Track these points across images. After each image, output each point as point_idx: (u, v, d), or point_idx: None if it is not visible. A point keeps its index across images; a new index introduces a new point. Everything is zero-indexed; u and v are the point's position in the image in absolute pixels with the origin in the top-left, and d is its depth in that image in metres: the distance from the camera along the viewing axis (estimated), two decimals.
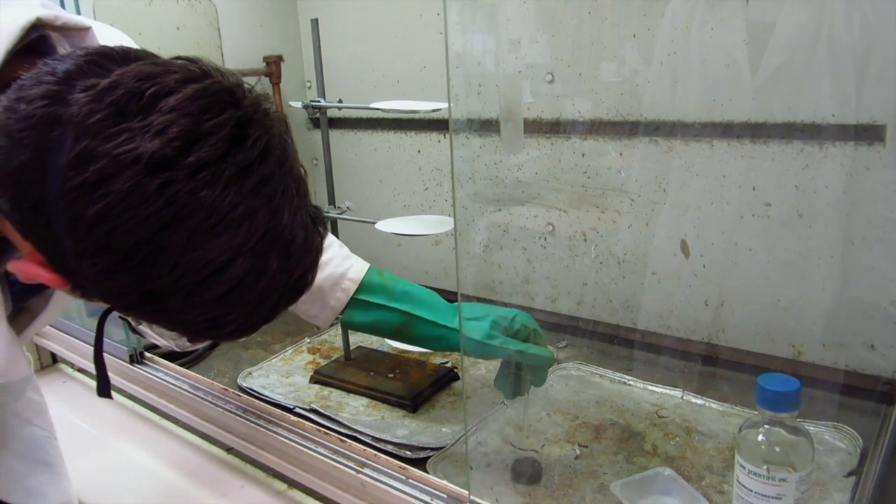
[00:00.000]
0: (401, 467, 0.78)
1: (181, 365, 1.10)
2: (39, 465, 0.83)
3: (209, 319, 0.45)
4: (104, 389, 0.67)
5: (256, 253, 0.43)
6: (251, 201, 0.43)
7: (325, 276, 0.83)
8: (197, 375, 1.03)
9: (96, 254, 0.41)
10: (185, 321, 0.45)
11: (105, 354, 1.02)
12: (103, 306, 0.57)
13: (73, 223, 0.41)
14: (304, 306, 0.86)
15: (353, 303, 0.85)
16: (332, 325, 1.14)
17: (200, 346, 0.60)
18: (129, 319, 0.57)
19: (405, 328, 0.85)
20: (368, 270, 0.86)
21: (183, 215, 0.40)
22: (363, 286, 0.84)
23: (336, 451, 0.83)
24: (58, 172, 0.40)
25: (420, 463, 0.85)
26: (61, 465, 0.86)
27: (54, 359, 1.31)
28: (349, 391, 1.05)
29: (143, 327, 0.61)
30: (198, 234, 0.41)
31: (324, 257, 0.83)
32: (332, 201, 1.08)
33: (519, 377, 0.82)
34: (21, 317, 0.63)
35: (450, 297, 0.86)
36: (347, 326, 0.89)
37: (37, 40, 0.52)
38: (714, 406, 0.95)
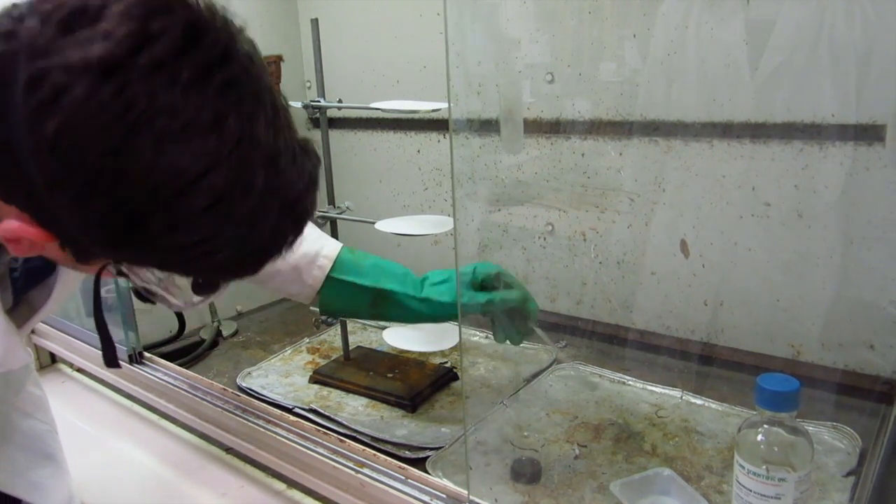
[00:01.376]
0: (400, 467, 0.78)
1: (181, 365, 1.10)
2: (42, 458, 0.84)
3: (199, 242, 0.43)
4: (111, 358, 0.63)
5: (235, 163, 0.42)
6: (218, 104, 0.41)
7: (301, 254, 0.85)
8: (196, 375, 1.03)
9: (66, 175, 0.40)
10: (175, 249, 0.43)
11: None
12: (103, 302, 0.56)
13: (37, 149, 0.40)
14: (284, 285, 0.87)
15: (328, 281, 0.86)
16: (330, 325, 1.14)
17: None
18: (131, 279, 0.54)
19: (378, 302, 0.86)
20: (341, 249, 0.87)
21: (145, 119, 0.39)
22: (336, 264, 0.86)
23: (335, 451, 0.83)
24: (17, 104, 0.40)
25: (419, 463, 0.85)
26: (62, 460, 0.87)
27: (53, 359, 1.31)
28: (348, 391, 1.05)
29: (149, 285, 0.56)
30: (164, 140, 0.40)
31: None
32: (331, 201, 1.08)
33: (510, 322, 0.86)
34: (21, 309, 0.63)
35: None
36: (326, 312, 0.90)
37: None
38: (713, 406, 0.95)
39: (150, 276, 0.52)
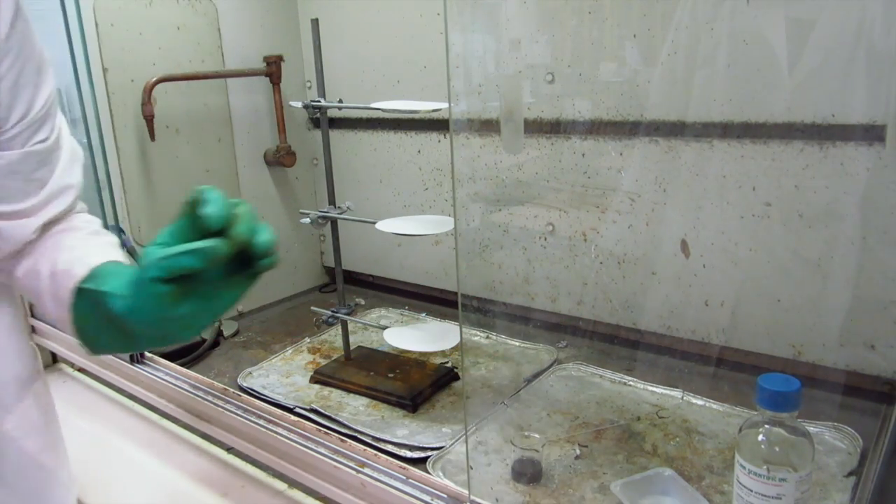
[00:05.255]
0: (401, 467, 0.78)
1: (182, 365, 1.10)
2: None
3: None
4: None
5: None
6: None
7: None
8: (197, 375, 1.03)
9: None
10: None
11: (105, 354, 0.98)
12: None
13: None
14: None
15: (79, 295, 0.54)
16: (331, 325, 1.14)
17: None
18: None
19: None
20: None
21: None
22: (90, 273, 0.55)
23: (336, 451, 0.83)
24: None
25: (420, 462, 0.85)
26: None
27: (55, 358, 1.31)
28: (349, 391, 1.05)
29: None
30: None
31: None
32: (332, 201, 1.08)
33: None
34: None
35: (449, 296, 0.86)
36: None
37: None
38: (714, 406, 0.95)
39: None
